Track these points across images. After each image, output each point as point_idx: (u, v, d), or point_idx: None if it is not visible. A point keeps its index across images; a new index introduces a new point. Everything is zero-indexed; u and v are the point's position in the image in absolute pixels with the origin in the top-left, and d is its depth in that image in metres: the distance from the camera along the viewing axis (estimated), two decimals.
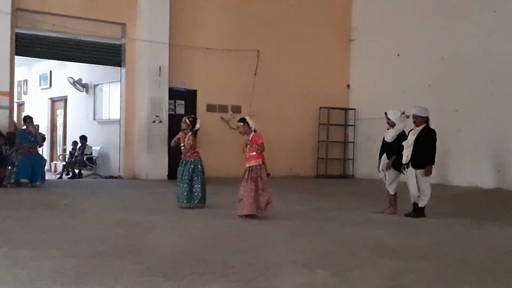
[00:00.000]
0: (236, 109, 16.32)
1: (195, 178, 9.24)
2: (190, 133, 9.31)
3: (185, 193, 9.21)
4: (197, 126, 9.36)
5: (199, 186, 9.25)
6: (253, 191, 8.17)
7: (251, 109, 16.03)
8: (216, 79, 15.97)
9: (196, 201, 9.25)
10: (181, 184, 9.25)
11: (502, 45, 14.02)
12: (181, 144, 9.34)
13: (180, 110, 15.39)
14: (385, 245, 6.63)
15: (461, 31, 14.98)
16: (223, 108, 16.26)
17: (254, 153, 8.32)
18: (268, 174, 8.41)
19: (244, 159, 8.46)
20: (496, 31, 14.17)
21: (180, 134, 9.44)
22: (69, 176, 16.64)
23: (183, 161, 9.38)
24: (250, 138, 8.33)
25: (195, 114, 15.52)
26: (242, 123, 8.39)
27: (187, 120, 9.40)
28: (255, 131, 8.34)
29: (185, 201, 9.22)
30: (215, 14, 16.02)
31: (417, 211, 8.87)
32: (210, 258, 5.61)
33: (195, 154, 9.36)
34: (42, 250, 5.74)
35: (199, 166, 9.33)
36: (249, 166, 8.31)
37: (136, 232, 7.04)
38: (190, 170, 9.23)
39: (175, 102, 15.43)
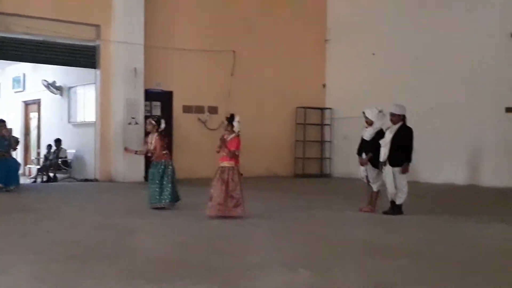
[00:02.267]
0: (213, 110, 16.27)
1: (166, 178, 9.24)
2: (156, 134, 9.31)
3: (156, 194, 9.21)
4: (162, 126, 9.37)
5: (170, 186, 9.25)
6: (223, 193, 8.13)
7: (228, 110, 15.95)
8: (192, 80, 15.91)
9: (167, 200, 9.23)
10: (152, 185, 9.25)
11: (475, 43, 14.24)
12: (150, 149, 9.35)
13: (156, 111, 15.29)
14: (365, 243, 6.67)
15: (434, 30, 15.17)
16: (199, 109, 16.20)
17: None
18: (241, 174, 8.39)
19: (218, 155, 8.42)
20: (469, 29, 14.38)
21: (147, 138, 9.49)
22: (45, 180, 16.42)
23: (153, 163, 9.38)
24: (227, 139, 8.30)
25: (171, 115, 15.53)
26: (227, 122, 8.35)
27: (152, 121, 9.45)
28: (237, 134, 8.28)
29: (156, 202, 9.21)
30: (190, 15, 15.95)
31: (395, 209, 8.93)
32: (191, 260, 5.59)
33: (165, 156, 9.35)
34: (19, 256, 5.65)
35: (170, 167, 9.33)
36: (222, 166, 8.29)
37: (114, 235, 6.97)
38: (160, 171, 9.23)
39: (151, 104, 15.33)
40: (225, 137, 8.34)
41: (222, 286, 4.64)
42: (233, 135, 8.30)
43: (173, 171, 9.35)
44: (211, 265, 5.34)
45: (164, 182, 9.21)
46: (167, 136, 9.94)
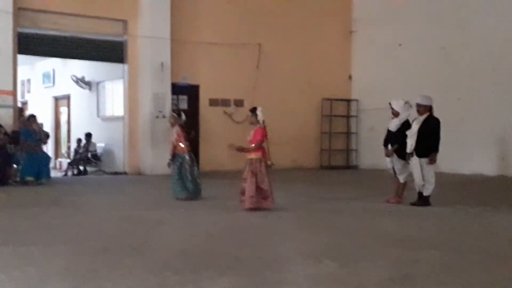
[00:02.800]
0: (239, 103, 16.32)
1: (184, 171, 9.38)
2: (176, 126, 9.48)
3: (177, 186, 9.41)
4: (183, 118, 9.56)
5: (189, 178, 9.40)
6: (254, 185, 8.19)
7: (254, 103, 16.00)
8: (218, 74, 15.97)
9: (189, 193, 9.40)
10: (173, 178, 9.46)
11: (502, 33, 14.02)
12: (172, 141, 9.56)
13: (183, 105, 15.41)
14: (392, 234, 6.65)
15: (461, 20, 14.97)
16: (225, 102, 16.26)
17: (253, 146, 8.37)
18: (270, 165, 8.40)
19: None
20: (496, 19, 14.15)
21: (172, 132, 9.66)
22: (75, 173, 16.68)
23: (173, 156, 9.53)
24: (253, 131, 8.37)
25: (197, 108, 15.66)
26: (251, 113, 8.45)
27: (174, 114, 9.69)
28: (263, 125, 8.34)
29: (178, 194, 9.41)
30: (216, 8, 16.00)
31: (422, 200, 8.89)
32: (217, 251, 5.65)
33: (185, 148, 9.49)
34: (50, 248, 5.77)
35: (187, 158, 9.45)
36: (250, 159, 8.36)
37: (143, 227, 7.07)
38: (178, 163, 9.41)
39: (178, 97, 15.45)
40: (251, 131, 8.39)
41: (248, 277, 4.68)
42: (257, 126, 8.36)
43: (191, 163, 9.48)
44: (237, 256, 5.39)
45: (183, 175, 9.36)
46: (189, 128, 10.03)
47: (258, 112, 8.39)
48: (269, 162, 8.36)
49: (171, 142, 9.59)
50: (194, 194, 9.43)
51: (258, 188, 8.23)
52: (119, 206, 8.99)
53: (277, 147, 15.51)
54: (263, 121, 8.38)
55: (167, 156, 14.14)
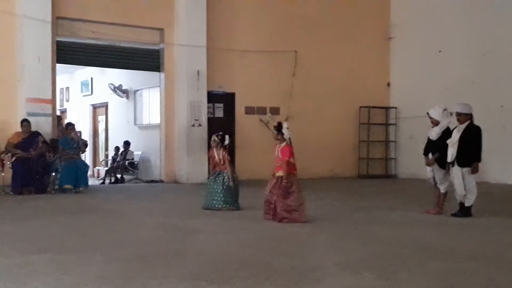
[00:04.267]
0: (275, 111, 16.25)
1: (225, 187, 9.36)
2: (221, 149, 9.50)
3: (209, 197, 9.40)
4: (226, 142, 9.53)
5: (228, 193, 9.37)
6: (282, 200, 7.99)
7: (290, 110, 15.97)
8: (254, 81, 15.96)
9: (224, 205, 9.35)
10: (209, 190, 9.43)
11: None
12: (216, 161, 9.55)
13: (219, 113, 15.43)
14: (431, 246, 6.47)
15: (503, 25, 14.65)
16: (261, 110, 16.21)
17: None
18: (291, 185, 8.13)
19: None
20: None
21: (212, 152, 9.65)
22: (112, 181, 16.83)
23: (215, 173, 9.51)
24: (279, 149, 8.10)
25: (233, 116, 15.64)
26: (276, 132, 8.14)
27: (216, 138, 9.59)
28: (289, 141, 8.08)
29: (207, 205, 9.41)
30: (252, 16, 16.01)
31: (464, 211, 8.65)
32: (252, 261, 5.56)
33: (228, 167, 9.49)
34: (86, 255, 5.77)
35: (228, 178, 9.41)
36: (278, 176, 8.09)
37: (178, 236, 7.04)
38: (221, 180, 9.35)
39: (213, 106, 15.48)
40: (278, 148, 8.20)
41: None
42: (284, 143, 8.09)
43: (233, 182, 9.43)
44: (273, 267, 5.29)
45: (223, 190, 9.34)
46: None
47: (284, 130, 8.07)
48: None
49: (214, 162, 9.54)
50: (228, 206, 9.43)
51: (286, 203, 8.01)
52: (155, 214, 8.99)
53: (314, 156, 15.55)
54: (289, 138, 8.09)
55: (203, 165, 14.38)
